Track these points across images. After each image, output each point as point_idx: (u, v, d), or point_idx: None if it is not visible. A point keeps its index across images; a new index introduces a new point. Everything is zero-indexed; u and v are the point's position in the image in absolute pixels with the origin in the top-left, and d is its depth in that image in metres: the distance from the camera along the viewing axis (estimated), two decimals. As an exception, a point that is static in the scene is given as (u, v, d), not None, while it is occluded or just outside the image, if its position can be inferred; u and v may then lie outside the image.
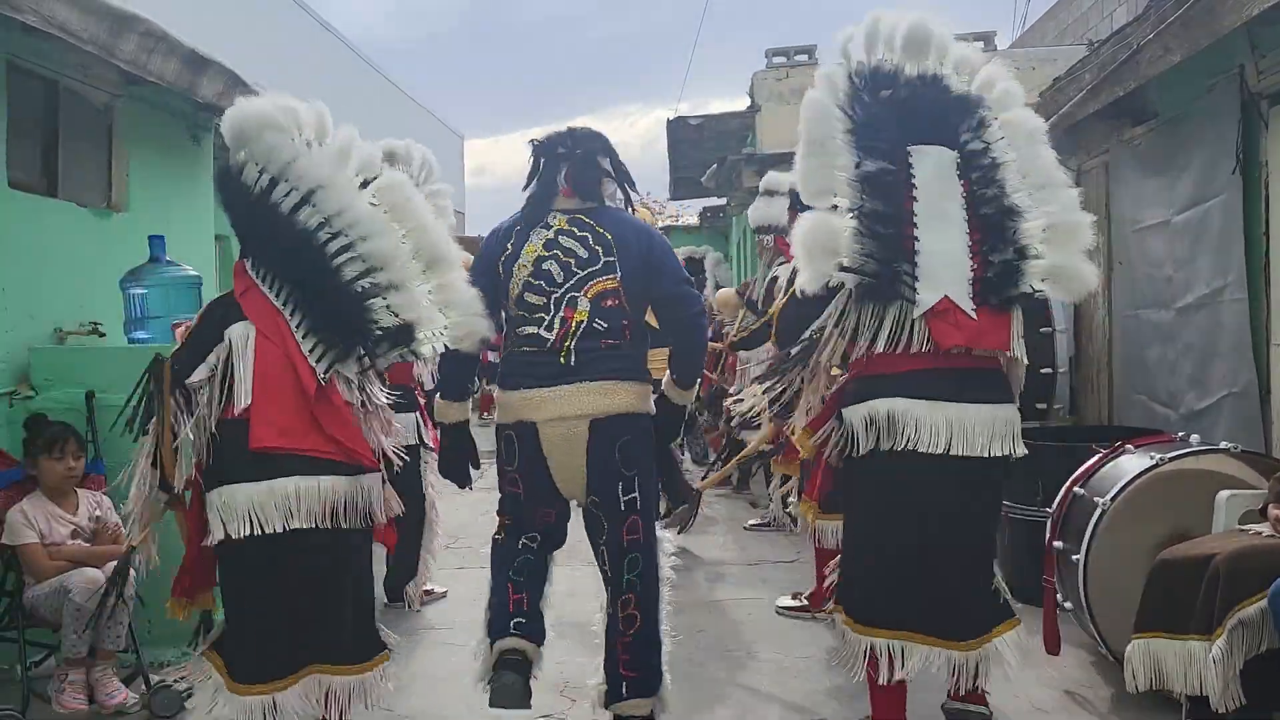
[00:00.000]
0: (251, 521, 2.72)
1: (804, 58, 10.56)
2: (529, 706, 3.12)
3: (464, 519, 6.69)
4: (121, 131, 5.00)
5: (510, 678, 3.08)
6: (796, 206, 4.56)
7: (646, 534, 3.24)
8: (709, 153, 12.13)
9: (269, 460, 2.75)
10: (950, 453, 2.85)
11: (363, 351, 2.88)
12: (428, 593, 4.84)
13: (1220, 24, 3.86)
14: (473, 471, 3.50)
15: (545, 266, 3.21)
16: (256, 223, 2.94)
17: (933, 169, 2.99)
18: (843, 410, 3.03)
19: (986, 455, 2.88)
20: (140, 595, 3.58)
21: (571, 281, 3.19)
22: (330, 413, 2.83)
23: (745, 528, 6.51)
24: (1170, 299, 4.95)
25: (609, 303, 3.18)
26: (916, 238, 2.92)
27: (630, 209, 3.47)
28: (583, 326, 3.15)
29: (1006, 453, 2.91)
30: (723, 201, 14.59)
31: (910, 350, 2.89)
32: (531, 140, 3.41)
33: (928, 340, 2.88)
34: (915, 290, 2.88)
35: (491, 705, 3.10)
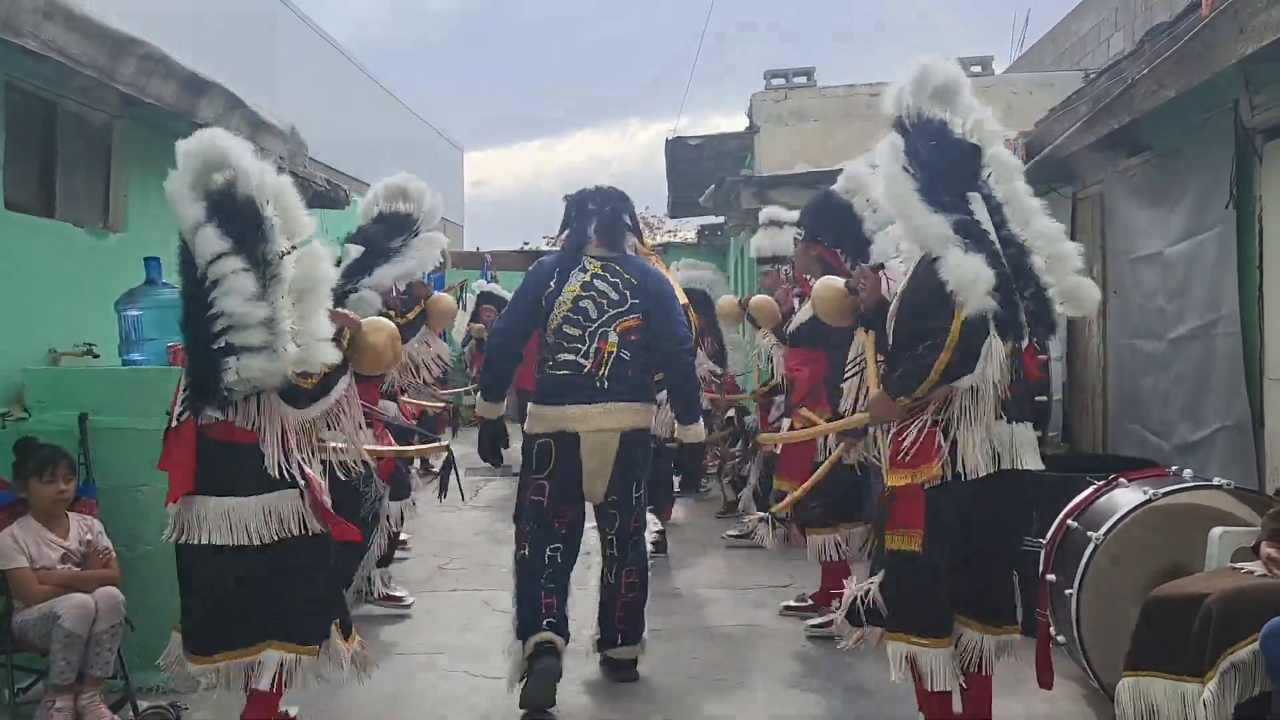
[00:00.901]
0: (180, 531, 3.11)
1: (803, 79, 10.57)
2: (554, 704, 3.61)
3: (457, 538, 6.66)
4: (120, 153, 5.01)
5: (550, 661, 3.64)
6: (814, 239, 4.59)
7: (642, 521, 4.07)
8: (708, 173, 12.14)
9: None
10: (1019, 468, 3.12)
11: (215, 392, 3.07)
12: (389, 598, 5.05)
13: (1214, 61, 3.87)
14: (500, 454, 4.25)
15: (582, 304, 3.93)
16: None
17: (984, 215, 3.16)
18: (957, 435, 3.10)
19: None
20: (129, 621, 3.57)
21: (604, 318, 3.91)
22: (165, 450, 3.16)
23: (723, 537, 6.61)
24: (1163, 330, 4.97)
25: (633, 337, 3.94)
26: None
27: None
28: (613, 356, 3.89)
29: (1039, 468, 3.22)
30: (720, 220, 14.62)
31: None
32: (566, 196, 4.15)
33: (1020, 372, 3.17)
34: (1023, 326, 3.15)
35: (525, 697, 3.59)
